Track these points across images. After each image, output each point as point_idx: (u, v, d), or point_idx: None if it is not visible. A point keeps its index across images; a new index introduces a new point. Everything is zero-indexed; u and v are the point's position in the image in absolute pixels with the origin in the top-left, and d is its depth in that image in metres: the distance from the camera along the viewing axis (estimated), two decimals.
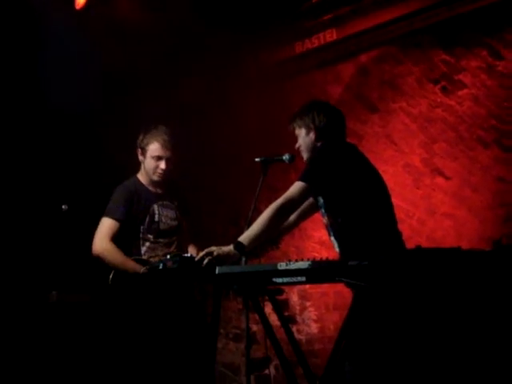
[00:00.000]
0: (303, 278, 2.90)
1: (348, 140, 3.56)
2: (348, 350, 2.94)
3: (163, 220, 4.11)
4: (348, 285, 2.93)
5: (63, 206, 4.32)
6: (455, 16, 4.82)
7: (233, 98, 5.44)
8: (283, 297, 5.83)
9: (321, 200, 3.38)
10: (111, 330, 4.08)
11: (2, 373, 4.43)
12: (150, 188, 4.16)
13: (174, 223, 4.16)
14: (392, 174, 5.88)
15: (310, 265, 2.85)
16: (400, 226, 3.37)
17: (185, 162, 4.42)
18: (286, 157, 3.61)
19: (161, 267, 3.18)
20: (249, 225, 3.27)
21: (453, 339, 2.92)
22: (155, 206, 4.11)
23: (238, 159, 5.31)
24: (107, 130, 5.15)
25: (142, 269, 3.83)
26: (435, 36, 5.12)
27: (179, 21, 5.06)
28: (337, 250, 3.35)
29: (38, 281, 4.76)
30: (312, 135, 3.46)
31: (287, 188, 3.29)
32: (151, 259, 3.94)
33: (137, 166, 4.23)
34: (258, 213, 3.29)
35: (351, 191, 3.25)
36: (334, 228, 3.34)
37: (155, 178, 4.11)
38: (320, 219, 3.52)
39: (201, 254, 3.13)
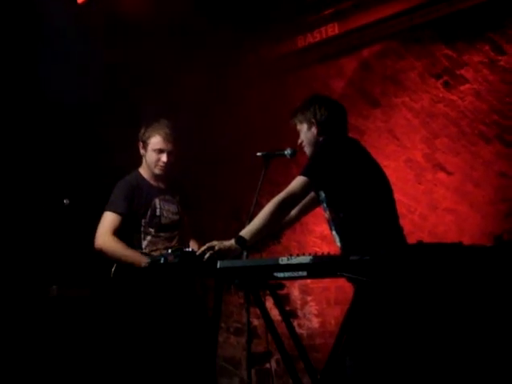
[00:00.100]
0: (304, 273, 2.90)
1: (350, 135, 3.56)
2: (349, 344, 2.95)
3: (164, 214, 4.11)
4: (349, 280, 2.93)
5: (65, 201, 4.32)
6: (457, 11, 4.80)
7: (234, 93, 5.44)
8: (284, 291, 5.82)
9: (322, 194, 3.38)
10: (112, 325, 4.09)
11: (3, 368, 4.44)
12: (152, 182, 4.16)
13: (176, 217, 4.17)
14: (394, 169, 5.87)
15: (311, 259, 2.86)
16: (402, 221, 3.37)
17: (186, 157, 4.42)
18: (287, 151, 3.61)
19: (162, 261, 3.19)
20: (250, 219, 3.27)
21: (453, 334, 2.92)
22: (157, 200, 4.11)
23: (240, 154, 5.32)
24: (108, 125, 5.14)
25: (143, 260, 3.83)
26: (437, 31, 5.11)
27: (180, 17, 5.06)
28: (338, 244, 3.35)
29: (39, 275, 4.76)
30: (314, 130, 3.45)
31: (289, 183, 3.29)
32: (152, 253, 3.94)
33: (138, 160, 4.23)
34: (260, 207, 3.29)
35: (353, 186, 3.24)
36: (335, 222, 3.34)
37: (157, 171, 4.11)
38: (321, 214, 3.52)
39: (202, 248, 3.14)
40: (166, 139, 4.07)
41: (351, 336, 2.93)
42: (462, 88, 5.53)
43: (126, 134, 4.43)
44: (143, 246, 4.01)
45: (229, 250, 3.12)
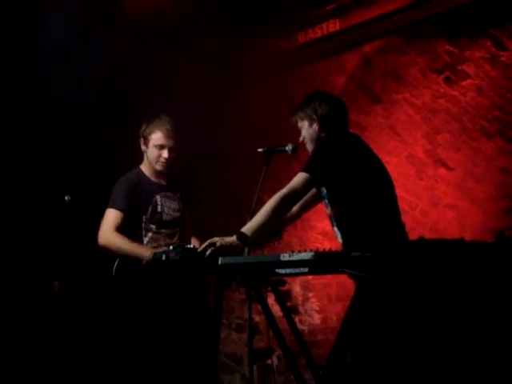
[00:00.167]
0: (306, 269, 2.90)
1: (351, 131, 3.55)
2: (350, 341, 2.95)
3: (166, 211, 4.12)
4: (351, 276, 2.93)
5: (66, 197, 4.32)
6: (459, 6, 4.80)
7: (235, 89, 5.43)
8: (286, 288, 5.84)
9: (324, 191, 3.37)
10: (114, 321, 4.09)
11: (6, 364, 4.44)
12: (153, 179, 4.17)
13: (177, 214, 4.17)
14: (395, 164, 5.86)
15: (312, 256, 2.85)
16: (403, 217, 3.37)
17: (187, 153, 4.42)
18: (288, 147, 3.60)
19: (163, 258, 3.19)
20: (252, 216, 3.27)
21: (455, 331, 2.92)
22: (158, 197, 4.12)
23: (241, 150, 5.31)
24: (109, 122, 5.14)
25: (148, 252, 3.82)
26: (439, 26, 5.10)
27: (180, 11, 5.05)
28: (340, 240, 3.35)
29: (41, 271, 4.77)
30: (315, 126, 3.45)
31: (290, 179, 3.28)
32: (154, 249, 3.95)
33: (139, 157, 4.23)
34: (261, 204, 3.28)
35: (355, 182, 3.24)
36: (337, 219, 3.34)
37: (158, 167, 4.11)
38: (323, 210, 3.52)
39: (203, 244, 3.14)
40: (167, 135, 4.07)
41: (353, 332, 2.93)
42: (463, 84, 5.52)
43: (126, 130, 4.44)
44: (144, 243, 4.01)
45: (230, 246, 3.12)
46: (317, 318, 6.31)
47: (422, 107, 5.79)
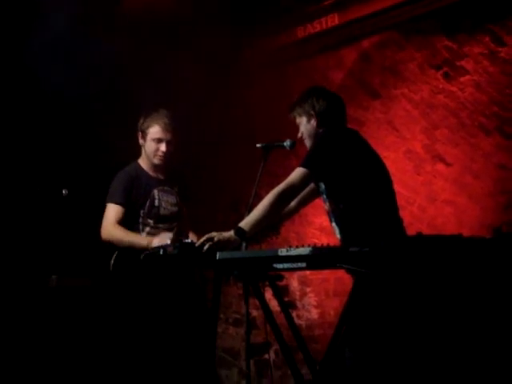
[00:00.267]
0: (304, 264, 2.90)
1: (349, 126, 3.55)
2: (348, 336, 2.95)
3: (163, 205, 4.11)
4: (349, 271, 2.93)
5: (63, 191, 4.32)
6: (458, 2, 4.79)
7: (234, 85, 5.42)
8: (283, 282, 5.85)
9: (322, 186, 3.37)
10: (112, 316, 4.09)
11: (3, 358, 4.44)
12: (151, 173, 4.16)
13: (175, 209, 4.17)
14: (393, 160, 5.87)
15: (310, 251, 2.85)
16: (401, 213, 3.37)
17: (186, 148, 4.41)
18: (287, 143, 3.60)
19: (161, 253, 3.19)
20: (249, 211, 3.27)
21: (453, 326, 2.92)
22: (155, 191, 4.11)
23: (239, 145, 5.31)
24: (108, 115, 5.14)
25: (145, 241, 3.82)
26: (438, 22, 5.09)
27: (178, 9, 5.04)
28: (338, 236, 3.36)
29: (38, 265, 4.76)
30: (313, 122, 3.45)
31: (288, 174, 3.28)
32: (150, 237, 3.94)
33: (137, 151, 4.23)
34: (259, 199, 3.28)
35: (353, 177, 3.24)
36: (335, 214, 3.34)
37: (156, 161, 4.11)
38: (321, 205, 3.52)
39: (201, 239, 3.14)
40: (165, 129, 4.07)
41: (350, 327, 2.93)
42: (462, 79, 5.52)
43: (124, 125, 4.43)
44: None
45: (228, 241, 3.12)
46: (314, 313, 6.32)
47: (420, 103, 5.79)
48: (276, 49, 5.51)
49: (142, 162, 4.18)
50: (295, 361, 3.16)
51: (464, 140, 5.95)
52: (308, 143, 3.50)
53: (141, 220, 4.03)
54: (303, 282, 6.30)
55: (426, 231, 2.86)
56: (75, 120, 5.19)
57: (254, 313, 5.45)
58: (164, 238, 3.72)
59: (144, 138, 4.13)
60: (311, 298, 6.33)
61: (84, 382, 4.42)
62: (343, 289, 5.71)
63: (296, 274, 6.22)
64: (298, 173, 3.24)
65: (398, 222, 3.30)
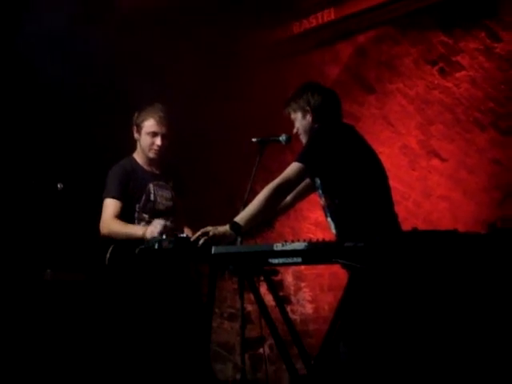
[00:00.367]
0: (299, 259, 2.90)
1: (345, 121, 3.55)
2: (343, 330, 2.96)
3: (158, 200, 4.11)
4: (344, 266, 2.94)
5: (58, 185, 4.31)
6: None
7: (230, 79, 5.41)
8: (278, 277, 5.85)
9: (318, 181, 3.37)
10: (107, 310, 4.09)
11: None
12: (146, 167, 4.16)
13: (170, 203, 4.16)
14: (388, 155, 5.87)
15: (306, 246, 2.86)
16: (396, 208, 3.37)
17: (181, 142, 4.41)
18: (282, 137, 3.60)
19: (156, 247, 3.18)
20: (245, 205, 3.27)
21: (447, 321, 2.93)
22: (151, 186, 4.11)
23: (235, 140, 5.30)
24: (103, 109, 5.13)
25: (141, 231, 3.82)
26: (434, 17, 5.09)
27: (173, 2, 5.03)
28: (333, 231, 3.36)
29: (33, 259, 4.76)
30: (309, 117, 3.45)
31: (283, 169, 3.28)
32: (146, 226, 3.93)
33: (133, 145, 4.22)
34: (254, 194, 3.28)
35: (348, 172, 3.24)
36: (330, 209, 3.34)
37: (151, 155, 4.10)
38: (316, 200, 3.52)
39: (196, 234, 3.13)
40: (159, 122, 4.07)
41: (345, 322, 2.94)
42: (457, 75, 5.51)
43: (120, 118, 4.42)
44: None
45: (223, 235, 3.12)
46: (309, 308, 6.32)
47: (415, 98, 5.78)
48: (272, 44, 5.49)
49: (137, 156, 4.18)
50: (290, 355, 3.16)
51: (459, 135, 5.95)
52: (303, 139, 3.50)
53: (136, 215, 4.02)
54: (298, 277, 6.31)
55: (421, 226, 2.86)
56: (70, 113, 5.18)
57: (249, 307, 5.45)
58: (156, 226, 3.72)
59: (139, 131, 4.12)
60: (306, 293, 6.34)
61: (79, 375, 4.43)
62: (338, 284, 5.72)
63: (291, 269, 6.23)
64: (293, 168, 3.24)
65: (394, 217, 3.30)
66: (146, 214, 4.04)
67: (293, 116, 3.51)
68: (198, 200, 5.50)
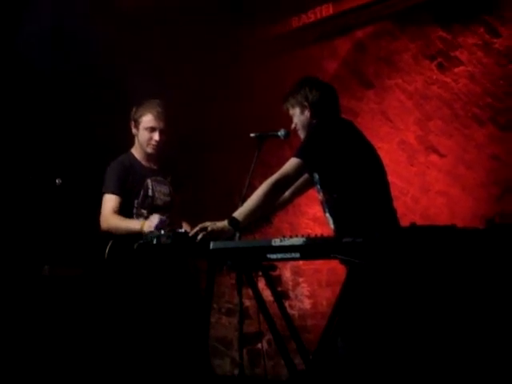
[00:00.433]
0: (297, 255, 2.90)
1: (343, 117, 3.54)
2: (341, 326, 2.96)
3: (156, 195, 4.11)
4: (342, 261, 2.93)
5: (57, 180, 4.31)
6: None
7: (228, 74, 5.40)
8: (276, 273, 5.85)
9: (316, 176, 3.37)
10: (105, 305, 4.09)
11: None
12: (144, 163, 4.16)
13: (168, 199, 4.17)
14: (387, 151, 5.86)
15: (304, 241, 2.86)
16: (394, 204, 3.37)
17: (180, 138, 4.40)
18: (281, 132, 3.60)
19: (155, 243, 3.18)
20: (243, 201, 3.27)
21: (446, 316, 2.93)
22: (149, 181, 4.11)
23: (233, 135, 5.30)
24: (103, 104, 5.12)
25: (138, 225, 3.81)
26: (432, 12, 5.08)
27: None
28: (332, 226, 3.36)
29: (31, 255, 4.76)
30: (307, 113, 3.44)
31: (282, 164, 3.28)
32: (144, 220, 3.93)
33: (131, 140, 4.22)
34: (253, 189, 3.28)
35: (347, 167, 3.24)
36: (329, 204, 3.34)
37: (149, 150, 4.10)
38: (314, 195, 3.52)
39: (195, 229, 3.13)
40: (157, 117, 4.07)
41: (343, 317, 2.94)
42: (456, 70, 5.50)
43: (120, 112, 4.41)
44: None
45: (221, 231, 3.12)
46: (307, 303, 6.33)
47: (414, 93, 5.77)
48: (271, 39, 5.49)
49: (135, 152, 4.17)
50: (288, 350, 3.16)
51: (457, 131, 5.95)
52: (302, 134, 3.49)
53: (135, 210, 4.02)
54: (296, 273, 6.31)
55: (419, 222, 2.86)
56: (68, 109, 5.17)
57: (247, 303, 5.45)
58: (153, 220, 3.72)
59: (137, 127, 4.12)
60: (304, 288, 6.34)
61: (78, 369, 4.43)
62: (336, 279, 5.72)
63: (289, 265, 6.22)
64: (291, 163, 3.24)
65: (392, 212, 3.30)
66: (144, 209, 4.04)
67: (291, 111, 3.51)
68: (197, 195, 5.50)
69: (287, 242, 2.89)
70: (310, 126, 3.43)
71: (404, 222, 3.20)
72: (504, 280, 2.87)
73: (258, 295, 3.18)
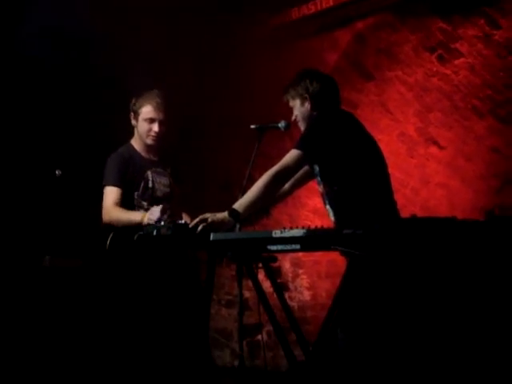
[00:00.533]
0: (298, 246, 2.90)
1: (343, 108, 3.54)
2: (341, 317, 2.96)
3: (156, 187, 4.10)
4: (343, 253, 2.94)
5: (57, 171, 4.30)
6: None
7: (228, 64, 5.39)
8: (276, 264, 5.84)
9: (316, 168, 3.37)
10: (105, 296, 4.10)
11: None
12: (144, 154, 4.15)
13: (167, 190, 4.16)
14: (387, 143, 5.86)
15: (304, 233, 2.86)
16: (394, 196, 3.37)
17: (180, 129, 4.40)
18: (281, 124, 3.59)
19: (155, 234, 3.18)
20: (243, 192, 3.27)
21: (446, 308, 2.94)
22: (149, 173, 4.10)
23: (233, 126, 5.29)
24: (101, 96, 5.11)
25: (139, 216, 3.82)
26: (433, 4, 5.07)
27: None
28: (332, 218, 3.36)
29: (32, 245, 4.76)
30: (307, 105, 3.44)
31: (282, 156, 3.28)
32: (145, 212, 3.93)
33: (131, 131, 4.21)
34: (253, 180, 3.28)
35: (347, 159, 3.24)
36: (329, 196, 3.34)
37: (149, 141, 4.09)
38: (314, 187, 3.52)
39: (195, 220, 3.13)
40: (157, 108, 4.05)
41: (343, 309, 2.94)
42: (456, 62, 5.50)
43: (118, 104, 4.40)
44: None
45: (222, 222, 3.11)
46: (306, 295, 6.34)
47: (414, 85, 5.77)
48: (271, 30, 5.47)
49: (135, 143, 4.16)
50: (288, 342, 3.17)
51: (457, 123, 5.95)
52: (302, 126, 3.49)
53: (135, 203, 4.01)
54: (296, 264, 6.32)
55: (418, 214, 2.86)
56: (69, 100, 5.16)
57: (247, 294, 5.46)
58: (153, 213, 3.72)
59: (136, 118, 4.10)
60: (303, 280, 6.36)
61: (78, 361, 4.44)
62: (335, 271, 5.73)
63: (288, 256, 6.23)
64: (292, 155, 3.24)
65: (393, 204, 3.30)
66: (144, 201, 4.03)
67: (291, 103, 3.50)
68: (197, 187, 5.50)
69: (288, 233, 2.89)
70: (310, 118, 3.43)
71: (404, 214, 3.21)
72: (503, 272, 2.87)
73: (258, 286, 3.19)
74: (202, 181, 5.83)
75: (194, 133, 5.56)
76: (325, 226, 2.95)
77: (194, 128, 5.53)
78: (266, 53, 5.42)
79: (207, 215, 3.13)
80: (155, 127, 4.05)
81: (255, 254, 3.19)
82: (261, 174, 3.23)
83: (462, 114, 5.88)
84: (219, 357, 5.93)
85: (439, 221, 2.73)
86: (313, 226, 2.89)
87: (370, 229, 2.74)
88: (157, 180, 4.12)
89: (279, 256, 5.45)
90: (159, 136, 4.08)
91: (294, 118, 3.51)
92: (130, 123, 4.16)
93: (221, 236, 3.08)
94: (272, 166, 3.25)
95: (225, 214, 3.13)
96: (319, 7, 5.21)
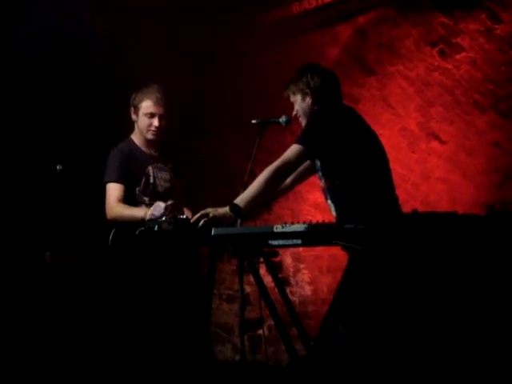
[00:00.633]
0: (299, 241, 2.90)
1: (344, 103, 3.53)
2: (342, 312, 2.97)
3: (158, 182, 4.11)
4: (344, 248, 2.94)
5: (58, 167, 4.30)
6: None
7: (230, 59, 5.39)
8: (277, 259, 5.85)
9: (318, 163, 3.37)
10: (108, 290, 4.10)
11: None
12: (144, 149, 4.15)
13: (168, 185, 4.16)
14: (388, 137, 5.85)
15: (306, 227, 2.86)
16: (395, 191, 3.37)
17: (182, 125, 4.40)
18: (282, 119, 3.59)
19: (156, 229, 3.18)
20: (245, 187, 3.27)
21: (447, 302, 2.94)
22: (150, 168, 4.10)
23: (235, 121, 5.29)
24: (102, 91, 5.11)
25: (142, 212, 3.81)
26: None
27: None
28: (333, 213, 3.36)
29: (33, 241, 4.77)
30: (308, 100, 3.43)
31: (283, 151, 3.27)
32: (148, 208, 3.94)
33: (131, 126, 4.21)
34: (254, 175, 3.28)
35: (349, 154, 3.23)
36: (331, 191, 3.34)
37: (149, 136, 4.09)
38: (315, 182, 3.52)
39: (196, 215, 3.13)
40: (157, 103, 4.05)
41: (345, 304, 2.95)
42: (457, 56, 5.49)
43: (121, 97, 4.40)
44: None
45: (223, 217, 3.11)
46: (308, 290, 6.34)
47: (415, 80, 5.76)
48: (271, 24, 5.46)
49: (135, 138, 4.16)
50: (289, 336, 3.17)
51: (459, 117, 5.94)
52: (303, 121, 3.48)
53: (137, 198, 4.02)
54: (297, 259, 6.32)
55: (419, 209, 2.86)
56: (69, 95, 5.16)
57: (248, 289, 5.47)
58: (156, 208, 3.72)
59: (136, 113, 4.11)
60: (305, 275, 6.36)
61: (79, 356, 4.45)
62: (337, 265, 5.74)
63: (289, 251, 6.23)
64: (293, 150, 3.24)
65: (394, 199, 3.30)
66: (146, 196, 4.04)
67: (292, 98, 3.50)
68: (198, 181, 5.51)
69: (289, 228, 2.90)
70: (311, 113, 3.42)
71: (405, 209, 3.21)
72: (504, 266, 2.87)
73: (259, 281, 3.19)
74: (202, 176, 5.83)
75: (195, 129, 5.56)
76: (326, 220, 2.95)
77: (195, 123, 5.52)
78: (267, 48, 5.41)
79: (208, 210, 3.13)
80: (155, 122, 4.05)
81: (256, 248, 3.19)
82: (262, 169, 3.23)
83: (463, 109, 5.87)
84: (220, 351, 5.94)
85: (440, 216, 2.73)
86: (314, 221, 2.89)
87: (371, 224, 2.74)
88: (158, 175, 4.12)
89: (280, 251, 5.47)
90: (159, 131, 4.08)
91: (294, 113, 3.50)
92: (130, 119, 4.15)
93: (222, 231, 3.08)
94: (273, 160, 3.24)
95: (226, 209, 3.13)
96: (320, 1, 5.20)
